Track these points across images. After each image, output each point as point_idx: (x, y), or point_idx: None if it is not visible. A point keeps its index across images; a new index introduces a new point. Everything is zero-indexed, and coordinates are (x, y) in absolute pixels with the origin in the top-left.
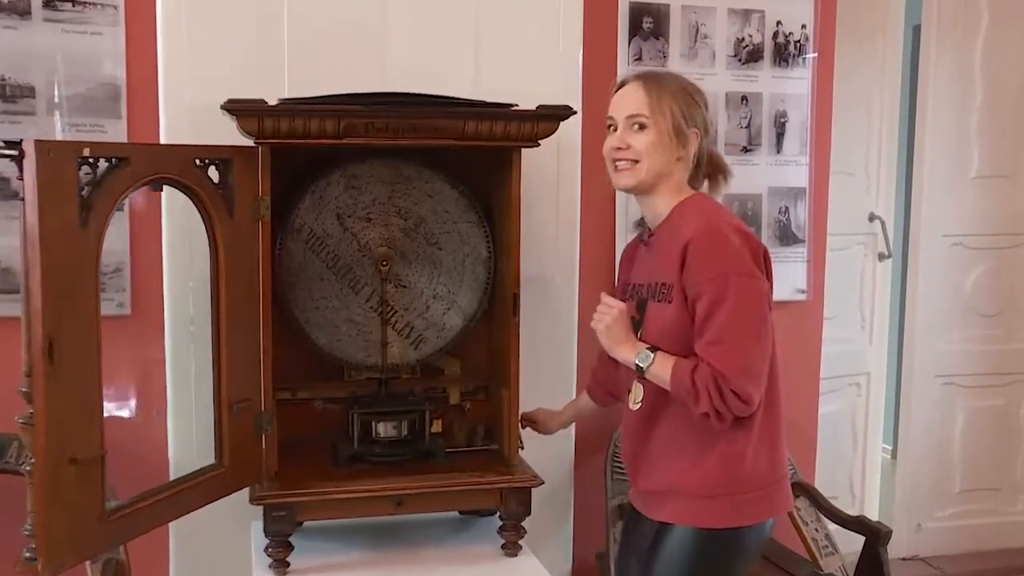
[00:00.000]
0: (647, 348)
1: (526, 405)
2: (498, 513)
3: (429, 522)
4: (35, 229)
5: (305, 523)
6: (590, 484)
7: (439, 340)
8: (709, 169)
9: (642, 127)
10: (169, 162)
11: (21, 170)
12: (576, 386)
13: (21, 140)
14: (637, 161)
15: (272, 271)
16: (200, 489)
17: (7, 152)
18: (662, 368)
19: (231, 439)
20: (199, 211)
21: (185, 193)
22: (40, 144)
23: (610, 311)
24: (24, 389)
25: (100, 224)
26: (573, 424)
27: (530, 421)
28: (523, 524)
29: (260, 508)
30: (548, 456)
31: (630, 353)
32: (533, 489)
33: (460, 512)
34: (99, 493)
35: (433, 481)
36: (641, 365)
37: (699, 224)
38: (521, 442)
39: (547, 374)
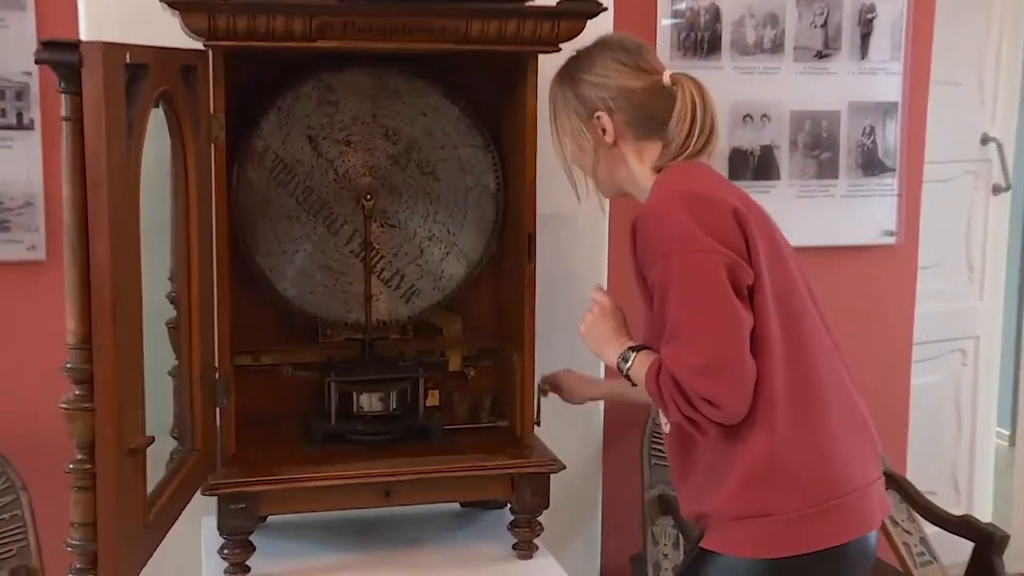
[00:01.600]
0: (630, 347)
1: (543, 372)
2: (508, 505)
3: (424, 516)
4: (100, 156)
5: (269, 518)
6: (624, 469)
7: (436, 292)
8: (646, 131)
9: (562, 141)
10: (170, 70)
11: (65, 81)
12: None
13: (78, 41)
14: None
15: (229, 207)
16: (188, 481)
17: (59, 58)
18: (638, 371)
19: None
20: (172, 131)
21: (167, 109)
22: (107, 48)
23: (593, 309)
24: (73, 365)
25: (138, 150)
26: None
27: (553, 385)
28: (539, 519)
29: (213, 500)
30: (571, 435)
31: (612, 354)
32: (552, 475)
33: (462, 504)
34: (143, 490)
35: (428, 465)
36: (622, 368)
37: (646, 205)
38: (538, 417)
39: (570, 335)
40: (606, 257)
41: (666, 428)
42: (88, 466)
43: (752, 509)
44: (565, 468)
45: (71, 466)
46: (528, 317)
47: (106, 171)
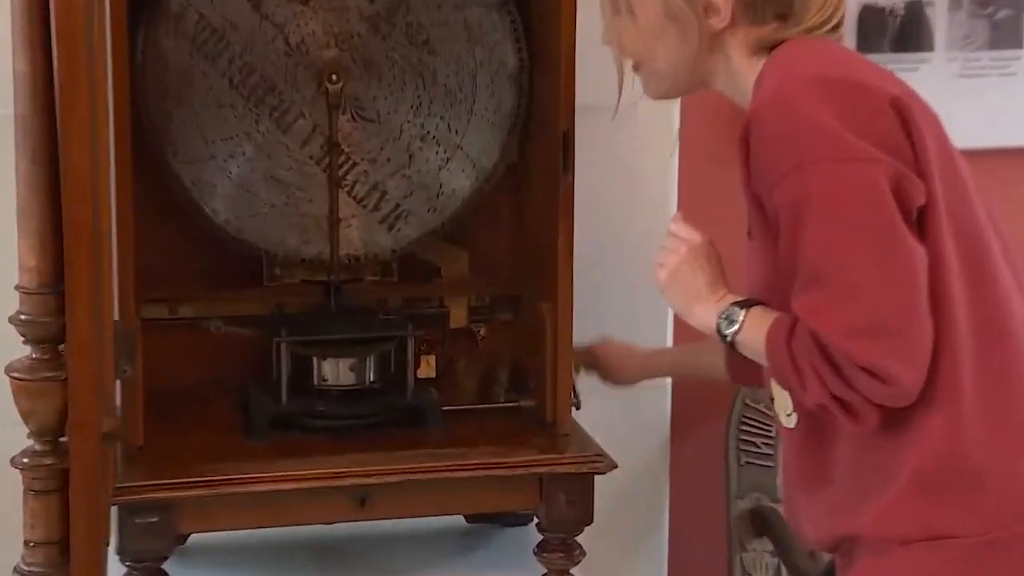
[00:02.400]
0: (736, 302)
1: (582, 333)
2: (535, 521)
3: (415, 536)
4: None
5: (192, 538)
6: (700, 471)
7: (432, 216)
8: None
9: (629, 10)
10: None
11: None
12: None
13: None
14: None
15: (131, 91)
16: None
17: None
18: (754, 336)
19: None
20: None
21: None
22: None
23: (677, 249)
24: (30, 316)
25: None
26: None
27: (588, 361)
28: (579, 539)
29: (113, 511)
30: (625, 421)
31: (709, 313)
32: (597, 477)
33: (468, 519)
34: (110, 484)
35: (420, 462)
36: (725, 333)
37: (762, 97)
38: (576, 396)
39: (621, 278)
40: (676, 164)
41: (788, 420)
42: (50, 461)
43: (927, 529)
44: (616, 467)
45: (25, 461)
46: (563, 252)
47: (84, 38)
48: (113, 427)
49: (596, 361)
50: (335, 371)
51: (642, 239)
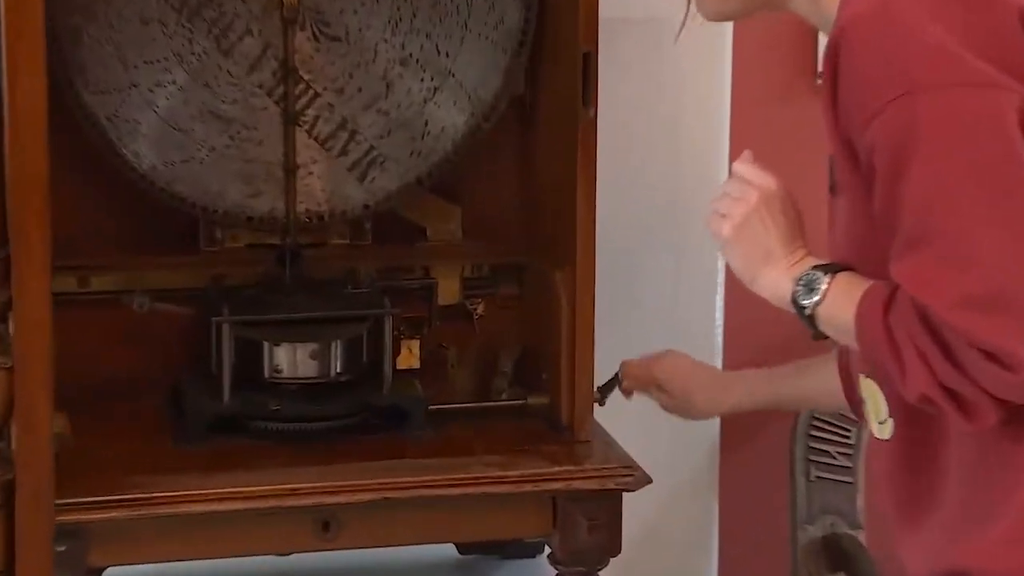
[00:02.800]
0: (816, 266)
1: (608, 315)
2: (547, 551)
3: (393, 569)
4: None
5: (109, 572)
6: (757, 488)
7: (415, 162)
8: None
9: None
10: None
11: None
12: (725, 282)
13: None
14: None
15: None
16: None
17: None
18: (840, 308)
19: None
20: None
21: None
22: None
23: (746, 196)
24: None
25: None
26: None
27: (645, 382)
28: (603, 575)
29: None
30: (664, 426)
31: (782, 279)
32: (626, 495)
33: (461, 548)
34: (51, 506)
35: (400, 477)
36: (803, 304)
37: (857, 9)
38: (601, 394)
39: (656, 239)
40: (727, 104)
41: (881, 429)
42: None
43: None
44: (650, 483)
45: None
46: (583, 207)
47: None
48: (64, 426)
49: (656, 383)
50: (291, 360)
51: (683, 193)
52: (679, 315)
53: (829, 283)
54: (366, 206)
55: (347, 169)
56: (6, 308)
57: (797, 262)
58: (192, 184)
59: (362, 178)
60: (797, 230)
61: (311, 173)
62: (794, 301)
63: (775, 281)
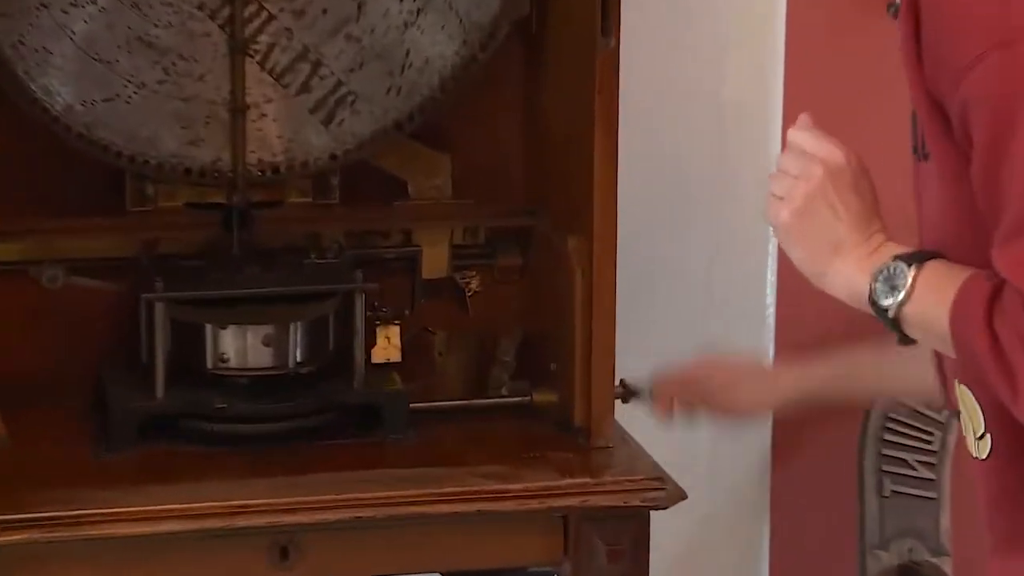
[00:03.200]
0: (898, 256)
1: (632, 295)
2: None
3: None
4: None
5: None
6: (816, 506)
7: (394, 102)
8: None
9: None
10: None
11: None
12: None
13: None
14: None
15: None
16: None
17: None
18: (931, 307)
19: None
20: None
21: None
22: None
23: (807, 173)
24: None
25: None
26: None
27: (687, 391)
28: None
29: None
30: (706, 433)
31: (857, 273)
32: (654, 514)
33: None
34: None
35: (375, 492)
36: (884, 305)
37: None
38: (625, 390)
39: (693, 199)
40: (781, 38)
41: (978, 447)
42: None
43: None
44: (685, 499)
45: None
46: (602, 159)
47: None
48: (3, 434)
49: (699, 390)
50: (241, 347)
51: (725, 155)
52: (719, 300)
53: (915, 276)
54: (333, 156)
55: (309, 110)
56: None
57: (874, 251)
58: (117, 128)
59: (328, 121)
60: (872, 211)
61: (264, 115)
62: (872, 301)
63: (848, 277)
